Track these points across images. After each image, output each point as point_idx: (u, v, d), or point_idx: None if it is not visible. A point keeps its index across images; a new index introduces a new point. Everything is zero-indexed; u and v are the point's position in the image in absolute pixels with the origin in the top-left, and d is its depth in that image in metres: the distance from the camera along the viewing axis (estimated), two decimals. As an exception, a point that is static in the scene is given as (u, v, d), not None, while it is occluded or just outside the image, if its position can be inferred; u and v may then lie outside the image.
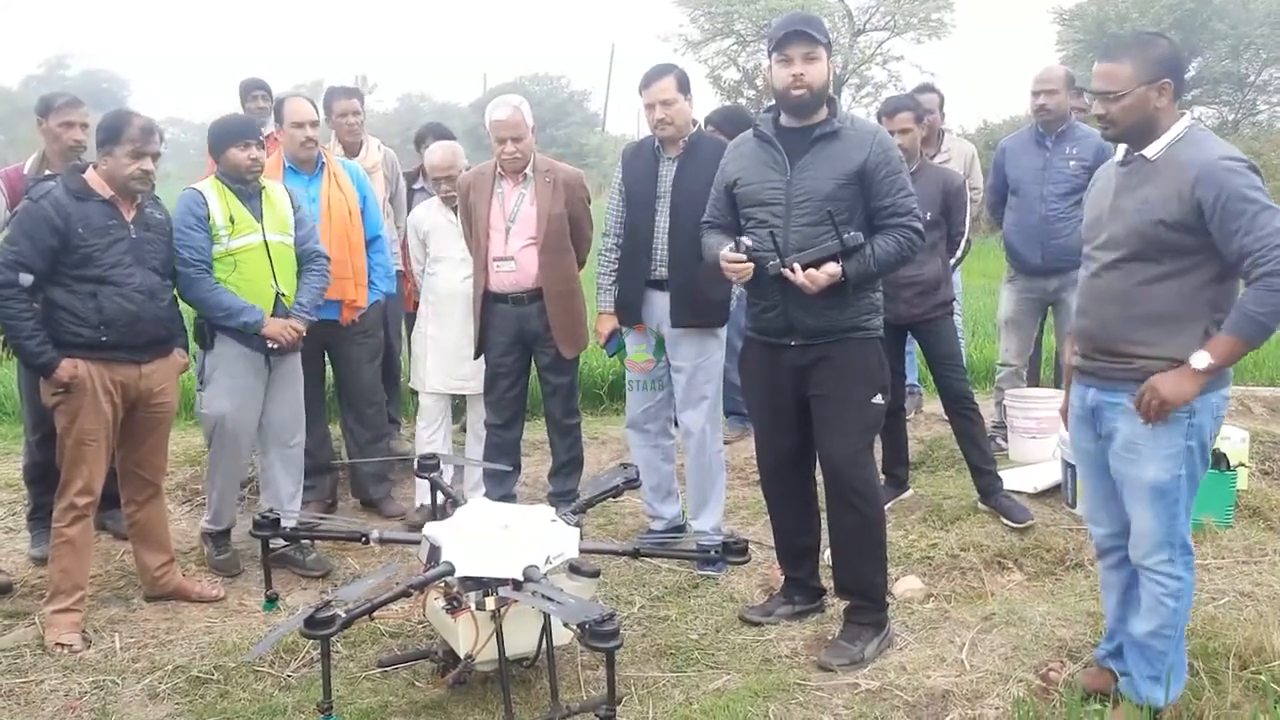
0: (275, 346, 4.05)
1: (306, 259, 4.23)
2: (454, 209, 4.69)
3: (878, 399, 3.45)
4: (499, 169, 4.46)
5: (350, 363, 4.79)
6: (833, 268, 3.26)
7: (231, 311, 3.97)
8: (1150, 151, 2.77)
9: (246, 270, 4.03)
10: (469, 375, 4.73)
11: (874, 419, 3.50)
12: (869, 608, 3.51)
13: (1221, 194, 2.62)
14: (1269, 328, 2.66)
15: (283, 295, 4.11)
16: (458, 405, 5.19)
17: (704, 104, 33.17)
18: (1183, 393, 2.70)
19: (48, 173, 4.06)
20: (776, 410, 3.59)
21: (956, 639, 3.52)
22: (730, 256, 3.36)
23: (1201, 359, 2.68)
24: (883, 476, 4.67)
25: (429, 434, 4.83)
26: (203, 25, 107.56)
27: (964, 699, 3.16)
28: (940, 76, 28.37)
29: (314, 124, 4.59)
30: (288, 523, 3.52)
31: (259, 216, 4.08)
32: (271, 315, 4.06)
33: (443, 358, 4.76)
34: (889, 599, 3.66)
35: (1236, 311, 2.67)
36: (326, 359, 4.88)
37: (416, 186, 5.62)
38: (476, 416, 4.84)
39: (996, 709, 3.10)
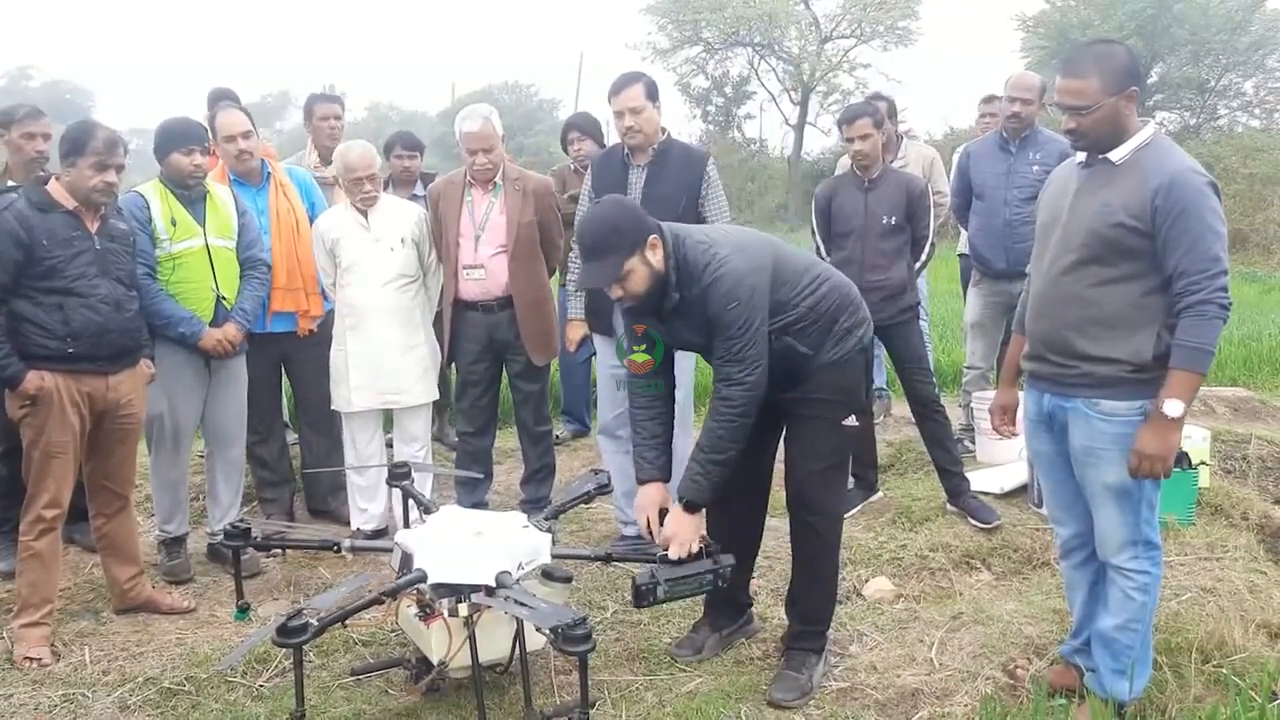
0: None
1: (248, 265, 4.24)
2: (365, 213, 4.43)
3: (850, 420, 3.32)
4: (469, 178, 4.48)
5: (307, 373, 4.75)
6: None
7: (171, 321, 4.00)
8: (1115, 155, 2.77)
9: (187, 274, 4.05)
10: (398, 389, 4.49)
11: (842, 440, 3.36)
12: (811, 633, 3.40)
13: (1178, 207, 2.64)
14: (1211, 352, 2.70)
15: (224, 299, 4.13)
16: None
17: (672, 111, 33.24)
18: (1170, 444, 2.71)
19: (11, 184, 4.03)
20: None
21: (926, 638, 3.57)
22: None
23: (1175, 407, 2.67)
24: (852, 480, 4.71)
25: (366, 455, 4.56)
26: (168, 35, 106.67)
27: (933, 697, 3.20)
28: (907, 83, 28.66)
29: (246, 135, 4.46)
30: (259, 532, 3.51)
31: (201, 220, 4.09)
32: (212, 319, 4.09)
33: (367, 373, 4.45)
34: (832, 624, 3.50)
35: (1179, 349, 2.67)
36: (283, 371, 4.85)
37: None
38: (406, 442, 4.61)
39: (965, 706, 3.14)
